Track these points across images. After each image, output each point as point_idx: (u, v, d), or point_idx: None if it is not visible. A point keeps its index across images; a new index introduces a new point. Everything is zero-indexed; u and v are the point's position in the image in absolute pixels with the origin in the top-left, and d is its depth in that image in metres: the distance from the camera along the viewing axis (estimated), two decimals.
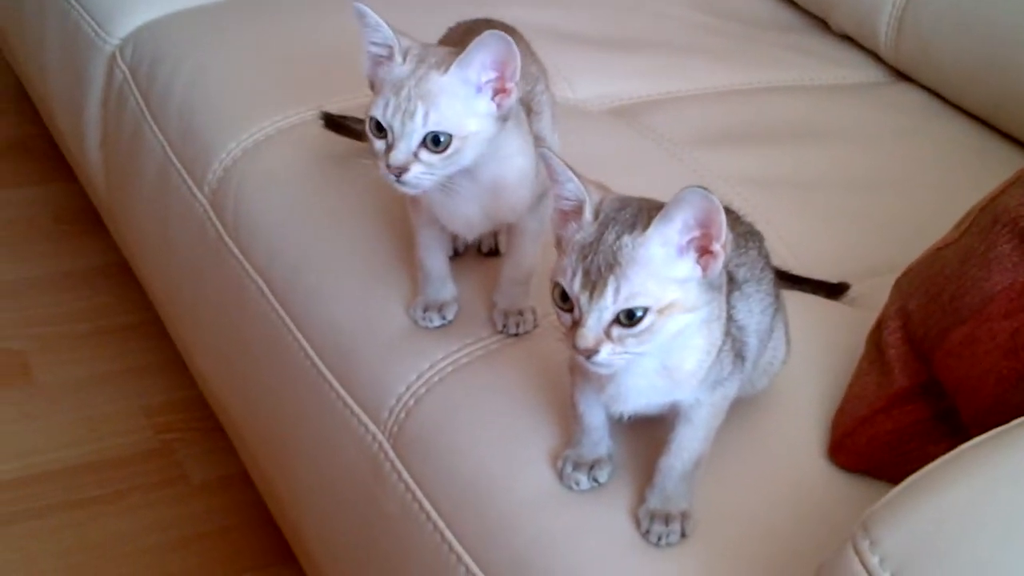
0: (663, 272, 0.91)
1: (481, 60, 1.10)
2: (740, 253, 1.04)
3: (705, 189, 0.89)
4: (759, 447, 1.12)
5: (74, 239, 2.31)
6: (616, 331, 0.91)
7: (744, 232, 1.06)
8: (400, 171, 1.09)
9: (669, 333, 0.92)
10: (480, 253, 1.33)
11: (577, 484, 1.06)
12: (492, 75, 1.11)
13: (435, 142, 1.09)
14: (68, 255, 2.27)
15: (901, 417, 1.08)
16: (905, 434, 1.08)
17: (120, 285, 2.15)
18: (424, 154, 1.09)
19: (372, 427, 1.23)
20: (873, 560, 0.81)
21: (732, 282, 1.01)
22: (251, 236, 1.44)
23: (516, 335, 1.23)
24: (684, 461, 1.03)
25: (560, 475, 1.08)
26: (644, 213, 0.92)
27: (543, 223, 1.22)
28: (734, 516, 1.05)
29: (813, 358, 1.20)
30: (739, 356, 1.02)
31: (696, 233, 0.91)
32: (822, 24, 2.00)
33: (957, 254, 1.07)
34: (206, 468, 1.87)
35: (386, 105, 1.09)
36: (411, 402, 1.20)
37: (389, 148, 1.09)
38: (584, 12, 1.89)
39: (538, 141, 1.20)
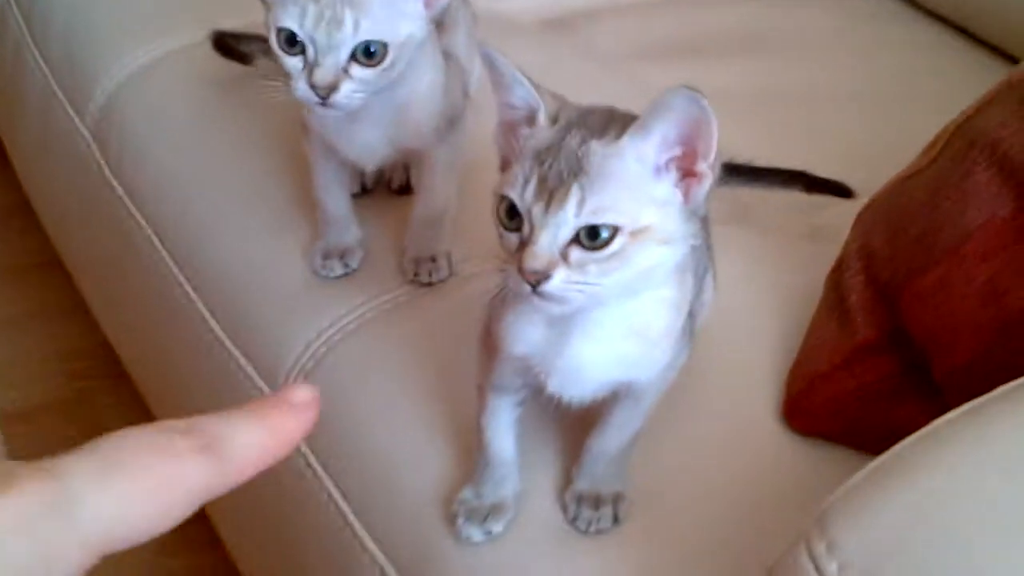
0: (639, 188, 0.74)
1: None
2: None
3: (695, 91, 0.71)
4: (701, 411, 0.98)
5: None
6: (575, 253, 0.72)
7: None
8: (328, 91, 0.93)
9: (639, 267, 0.73)
10: (390, 190, 1.18)
11: (469, 538, 0.90)
12: None
13: (367, 54, 0.93)
14: None
15: (864, 373, 0.94)
16: (870, 392, 0.94)
17: (24, 223, 1.98)
18: (356, 69, 0.94)
19: (267, 390, 1.09)
20: (830, 567, 0.67)
21: None
22: (135, 173, 1.29)
23: (429, 284, 1.09)
24: (620, 441, 0.89)
25: (452, 522, 0.91)
26: (617, 121, 0.75)
27: (457, 153, 1.08)
28: (674, 496, 0.92)
29: (764, 301, 1.07)
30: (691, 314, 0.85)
31: (678, 151, 0.74)
32: None
33: (927, 184, 0.93)
34: (128, 420, 1.72)
35: (302, 13, 0.92)
36: (310, 364, 1.06)
37: (311, 65, 0.93)
38: None
39: (449, 60, 1.04)
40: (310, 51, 0.93)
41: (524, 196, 0.73)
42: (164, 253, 1.22)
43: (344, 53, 0.93)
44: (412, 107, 1.02)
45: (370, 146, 1.04)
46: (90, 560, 0.36)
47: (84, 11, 1.47)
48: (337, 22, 0.91)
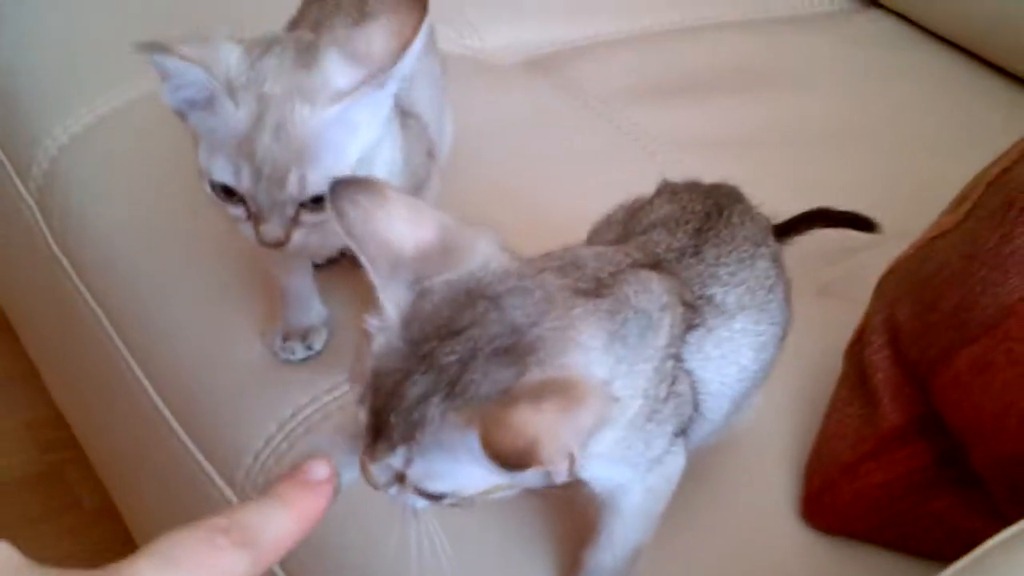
0: None
1: (347, 59, 0.81)
2: (743, 266, 0.77)
3: None
4: (711, 506, 0.87)
5: None
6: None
7: (750, 235, 0.79)
8: (280, 244, 0.83)
9: None
10: (354, 263, 1.06)
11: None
12: (364, 72, 0.81)
13: (317, 199, 0.81)
14: None
15: (894, 465, 0.83)
16: (900, 487, 0.83)
17: None
18: (306, 216, 0.82)
19: (227, 491, 0.99)
20: None
21: (697, 312, 0.73)
22: (80, 243, 1.18)
23: None
24: (616, 557, 0.77)
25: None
26: None
27: (430, 203, 0.96)
28: None
29: (779, 367, 0.95)
30: (683, 428, 0.74)
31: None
32: None
33: (959, 247, 0.82)
34: (98, 495, 1.60)
35: (236, 171, 0.80)
36: (270, 461, 0.95)
37: (256, 219, 0.82)
38: None
39: (408, 120, 0.93)
40: (252, 205, 0.82)
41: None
42: (111, 330, 1.12)
43: (291, 210, 0.81)
44: None
45: (325, 243, 0.90)
46: None
47: (25, 69, 1.36)
48: (278, 180, 0.79)
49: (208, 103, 0.80)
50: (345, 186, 0.63)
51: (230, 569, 0.44)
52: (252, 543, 0.44)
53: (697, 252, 0.76)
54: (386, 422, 0.61)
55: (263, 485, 0.95)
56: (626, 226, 0.80)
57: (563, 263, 0.68)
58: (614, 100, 1.34)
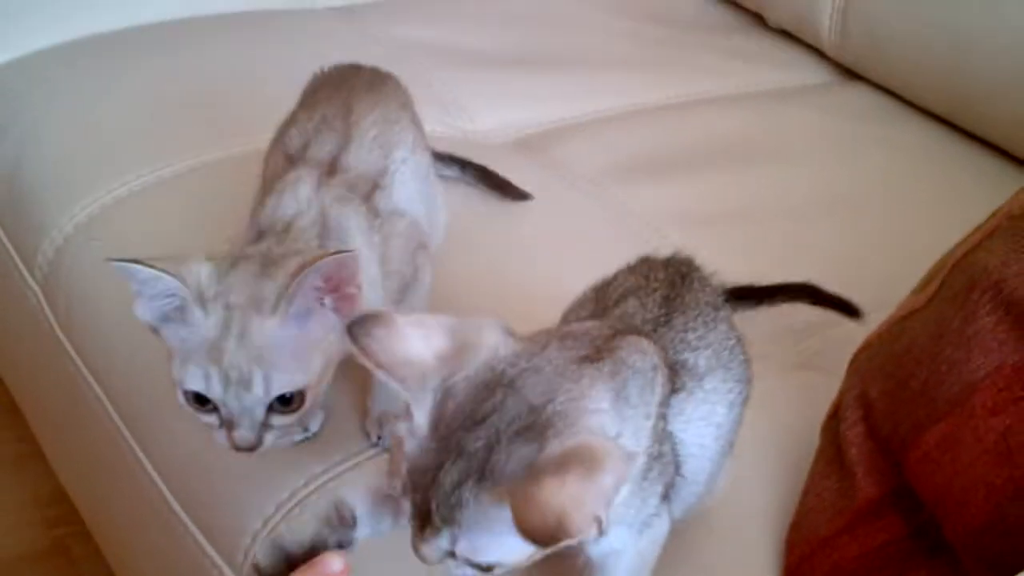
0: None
1: (312, 285, 0.85)
2: (709, 330, 0.81)
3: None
4: (689, 572, 0.89)
5: None
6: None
7: (711, 301, 0.84)
8: (254, 448, 0.88)
9: None
10: None
11: None
12: (322, 286, 0.86)
13: (285, 402, 0.86)
14: None
15: (869, 538, 0.86)
16: (876, 559, 0.85)
17: None
18: (276, 418, 0.87)
19: (227, 571, 1.00)
20: None
21: (677, 375, 0.78)
22: (85, 332, 1.21)
23: None
24: None
25: None
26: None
27: (422, 296, 1.00)
28: None
29: (756, 445, 0.98)
30: (668, 491, 0.78)
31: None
32: (758, 20, 1.79)
33: (927, 327, 0.85)
34: (105, 567, 1.63)
35: (206, 377, 0.84)
36: None
37: (228, 426, 0.87)
38: (484, 27, 1.67)
39: (394, 219, 0.97)
40: (223, 411, 0.86)
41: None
42: (113, 413, 1.14)
43: (259, 412, 0.86)
44: None
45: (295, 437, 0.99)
46: None
47: (30, 154, 1.40)
48: (245, 384, 0.84)
49: (179, 313, 0.85)
50: (359, 324, 0.69)
51: None
52: None
53: (668, 320, 0.80)
54: (428, 510, 0.66)
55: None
56: (597, 302, 0.84)
57: (562, 336, 0.73)
58: (602, 178, 1.36)
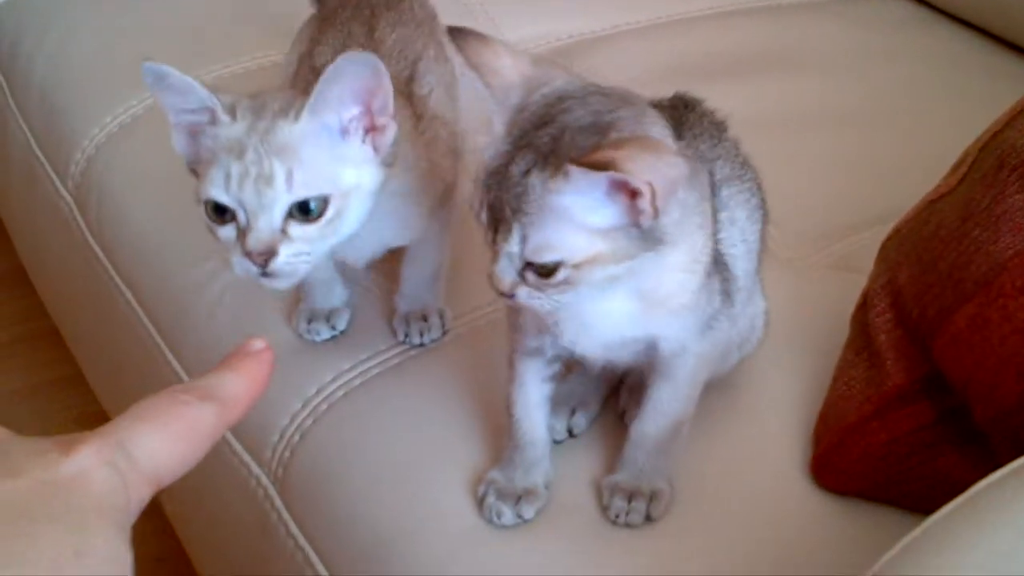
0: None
1: (338, 95, 0.82)
2: (713, 144, 0.84)
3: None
4: (721, 464, 0.90)
5: None
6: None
7: (716, 121, 0.87)
8: (266, 257, 0.82)
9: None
10: None
11: (499, 517, 0.85)
12: (355, 111, 0.84)
13: (304, 210, 0.82)
14: None
15: (898, 423, 0.85)
16: (905, 444, 0.85)
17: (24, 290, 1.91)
18: (295, 228, 0.82)
19: (256, 469, 1.01)
20: None
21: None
22: (115, 238, 1.22)
23: (421, 345, 1.00)
24: (660, 427, 0.84)
25: (480, 503, 0.87)
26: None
27: (451, 218, 1.01)
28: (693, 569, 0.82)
29: (788, 340, 0.98)
30: (726, 291, 0.82)
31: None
32: None
33: (955, 208, 0.84)
34: None
35: (226, 176, 0.81)
36: (296, 437, 0.98)
37: (243, 232, 0.82)
38: None
39: (436, 122, 0.96)
40: (241, 216, 0.82)
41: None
42: (146, 320, 1.15)
43: (278, 212, 0.81)
44: (399, 212, 0.92)
45: (361, 252, 0.96)
46: (149, 493, 0.46)
47: (61, 68, 1.40)
48: (266, 178, 0.80)
49: (208, 121, 0.83)
50: (459, 30, 0.75)
51: (197, 418, 0.48)
52: (213, 398, 0.48)
53: (678, 134, 0.81)
54: (500, 208, 0.71)
55: (289, 460, 0.98)
56: None
57: None
58: (629, 85, 1.35)
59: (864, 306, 0.91)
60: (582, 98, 0.72)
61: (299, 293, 1.03)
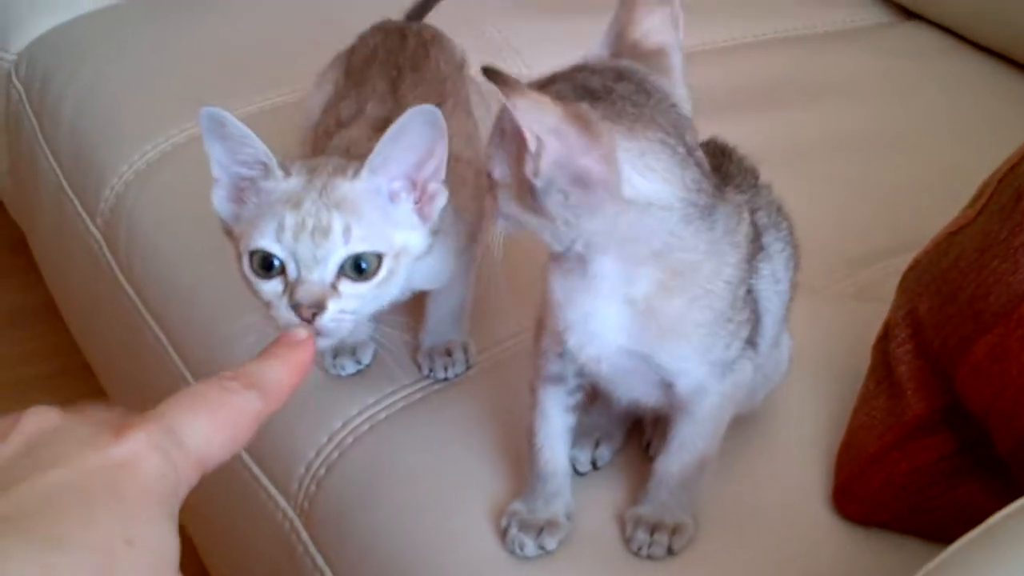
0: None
1: (399, 153, 0.82)
2: (753, 193, 0.84)
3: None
4: (743, 495, 0.90)
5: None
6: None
7: (750, 168, 0.87)
8: (314, 311, 0.79)
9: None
10: None
11: (522, 548, 0.86)
12: (411, 190, 0.84)
13: (357, 268, 0.80)
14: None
15: (919, 453, 0.85)
16: (926, 475, 0.85)
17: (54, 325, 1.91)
18: (345, 285, 0.80)
19: (282, 502, 1.02)
20: None
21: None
22: (144, 274, 1.23)
23: (445, 380, 1.01)
24: (684, 464, 0.84)
25: (503, 535, 0.87)
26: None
27: (474, 257, 1.01)
28: None
29: (811, 370, 0.99)
30: (751, 340, 0.82)
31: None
32: None
33: (974, 240, 0.84)
34: None
35: (279, 227, 0.79)
36: (322, 471, 0.99)
37: (292, 285, 0.79)
38: None
39: (460, 164, 0.97)
40: (291, 268, 0.80)
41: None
42: (174, 356, 1.17)
43: (333, 265, 0.79)
44: (425, 267, 0.90)
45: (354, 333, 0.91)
46: (196, 478, 0.47)
47: (90, 105, 1.43)
48: (323, 230, 0.79)
49: (260, 176, 0.82)
50: (493, 72, 0.70)
51: (243, 405, 0.49)
52: (258, 385, 0.50)
53: (724, 181, 0.82)
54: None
55: (315, 494, 0.99)
56: None
57: None
58: None
59: (885, 336, 0.91)
60: (622, 75, 0.74)
61: None
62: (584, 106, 0.70)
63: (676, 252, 0.75)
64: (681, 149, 0.74)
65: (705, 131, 1.30)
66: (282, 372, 0.52)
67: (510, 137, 0.72)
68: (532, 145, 0.69)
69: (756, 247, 0.81)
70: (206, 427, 0.48)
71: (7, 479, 0.43)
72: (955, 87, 1.49)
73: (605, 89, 0.73)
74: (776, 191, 0.89)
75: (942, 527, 0.85)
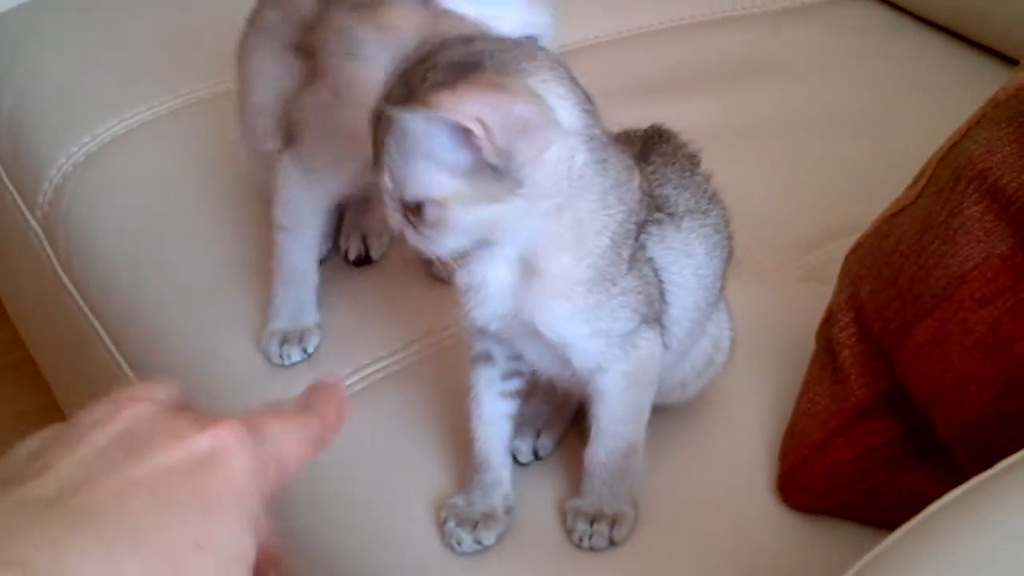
0: None
1: None
2: (685, 176, 0.84)
3: None
4: (687, 483, 0.89)
5: None
6: None
7: (689, 154, 0.87)
8: None
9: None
10: (346, 261, 1.09)
11: (459, 544, 0.85)
12: None
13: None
14: None
15: (863, 440, 0.84)
16: (870, 461, 0.84)
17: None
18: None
19: None
20: None
21: (658, 210, 0.81)
22: (84, 268, 1.21)
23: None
24: (609, 451, 0.83)
25: (441, 530, 0.86)
26: None
27: None
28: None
29: (759, 350, 0.97)
30: (654, 316, 0.80)
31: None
32: None
33: (914, 222, 0.83)
34: None
35: None
36: None
37: None
38: None
39: None
40: None
41: None
42: (117, 355, 1.15)
43: None
44: None
45: None
46: (274, 482, 0.46)
47: (29, 97, 1.40)
48: None
49: None
50: None
51: (307, 426, 0.49)
52: (315, 412, 0.50)
53: (646, 158, 0.83)
54: (378, 146, 0.72)
55: None
56: None
57: None
58: (606, 100, 1.34)
59: (828, 321, 0.90)
60: (469, 40, 0.72)
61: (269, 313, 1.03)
62: (483, 74, 0.70)
63: (577, 199, 0.74)
64: (566, 74, 0.75)
65: (661, 110, 1.30)
66: (333, 413, 0.52)
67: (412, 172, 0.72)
68: (478, 130, 0.68)
69: (649, 211, 0.80)
70: (293, 439, 0.48)
71: (91, 472, 0.43)
72: (909, 65, 1.48)
73: (473, 54, 0.71)
74: (727, 172, 0.88)
75: (888, 514, 0.84)
